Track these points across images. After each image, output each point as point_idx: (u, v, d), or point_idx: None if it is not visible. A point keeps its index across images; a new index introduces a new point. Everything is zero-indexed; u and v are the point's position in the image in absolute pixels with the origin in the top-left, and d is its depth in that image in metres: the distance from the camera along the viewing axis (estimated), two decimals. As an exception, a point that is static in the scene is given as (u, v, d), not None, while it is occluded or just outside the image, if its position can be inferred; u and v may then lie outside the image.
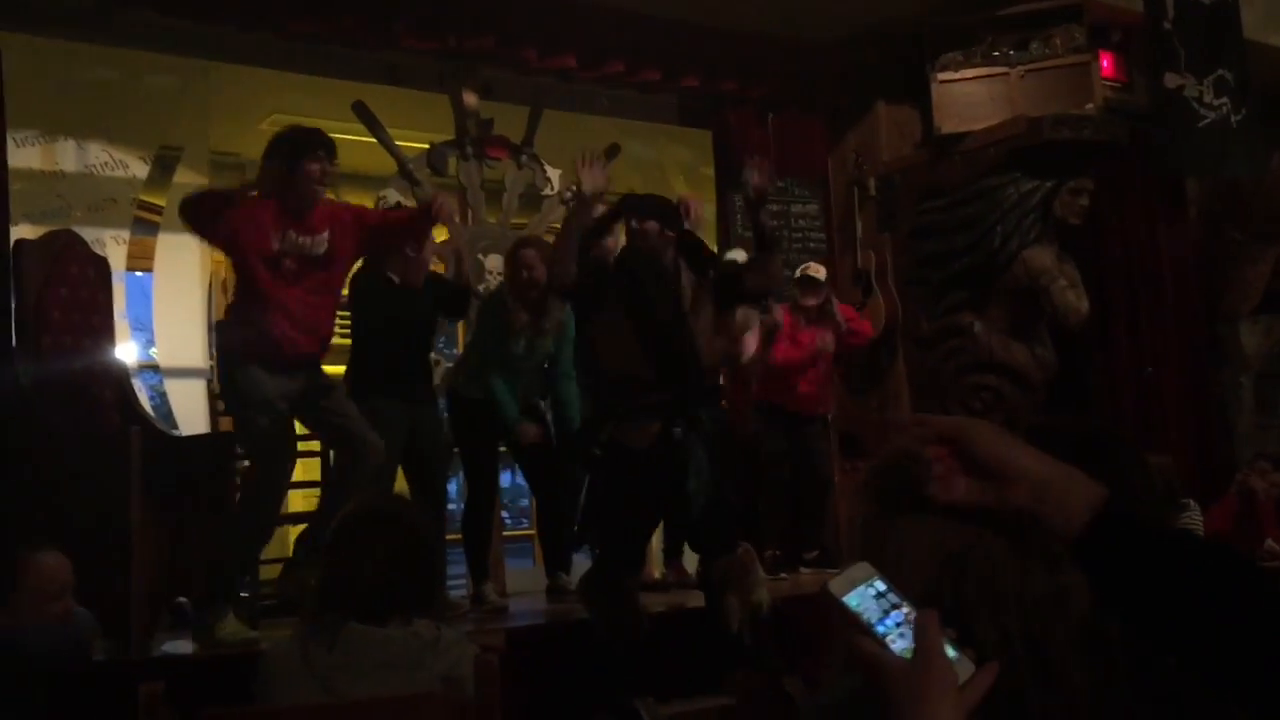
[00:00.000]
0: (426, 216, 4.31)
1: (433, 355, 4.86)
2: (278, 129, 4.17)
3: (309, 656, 2.07)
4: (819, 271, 5.89)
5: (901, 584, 1.12)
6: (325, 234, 4.01)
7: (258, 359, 3.91)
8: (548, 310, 4.79)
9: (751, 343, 5.32)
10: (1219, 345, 7.47)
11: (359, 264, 4.49)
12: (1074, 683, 1.11)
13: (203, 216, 3.93)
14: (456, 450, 4.95)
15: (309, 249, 3.97)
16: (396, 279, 4.56)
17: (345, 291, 4.42)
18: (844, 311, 6.02)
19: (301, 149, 3.93)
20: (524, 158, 6.13)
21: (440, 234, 5.92)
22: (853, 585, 0.94)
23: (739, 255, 5.33)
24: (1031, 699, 1.10)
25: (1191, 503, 5.68)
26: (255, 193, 4.00)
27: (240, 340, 3.97)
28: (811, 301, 5.77)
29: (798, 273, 5.90)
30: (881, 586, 0.95)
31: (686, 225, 4.15)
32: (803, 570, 5.67)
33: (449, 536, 5.03)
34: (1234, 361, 7.48)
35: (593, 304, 3.98)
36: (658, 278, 3.96)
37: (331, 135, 4.09)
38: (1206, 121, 6.58)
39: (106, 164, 5.55)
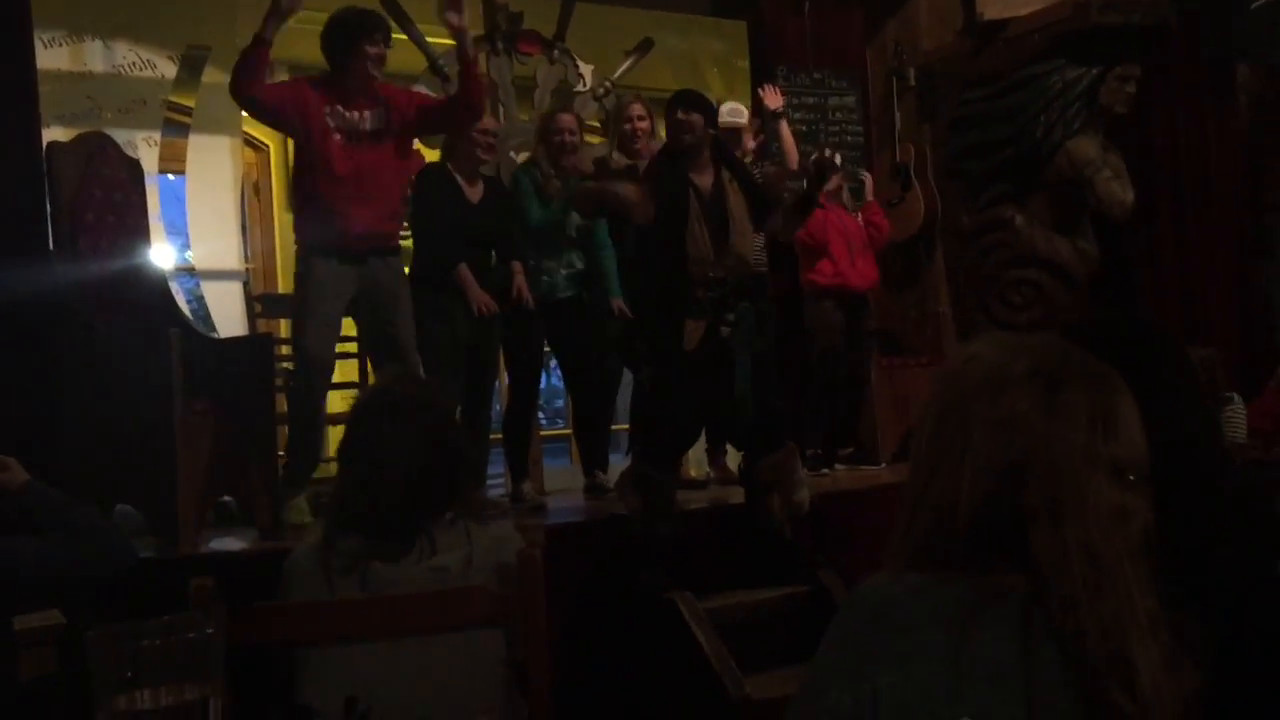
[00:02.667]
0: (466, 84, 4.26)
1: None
2: (330, 14, 4.15)
3: (335, 585, 2.02)
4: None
5: (962, 486, 1.12)
6: (377, 110, 4.07)
7: (326, 247, 4.02)
8: (580, 164, 4.82)
9: None
10: (1265, 236, 7.32)
11: (425, 164, 4.52)
12: (1129, 596, 1.10)
13: (242, 86, 3.94)
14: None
15: (359, 124, 4.04)
16: (460, 178, 4.55)
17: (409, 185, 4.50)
18: (874, 216, 5.94)
19: (360, 31, 3.99)
20: (556, 53, 6.02)
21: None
22: None
23: (739, 117, 5.27)
24: (1084, 610, 1.09)
25: (1235, 396, 5.62)
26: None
27: (309, 227, 4.10)
28: (830, 186, 5.66)
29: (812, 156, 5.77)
30: None
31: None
32: (838, 467, 5.68)
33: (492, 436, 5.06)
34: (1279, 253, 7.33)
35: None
36: (684, 184, 3.93)
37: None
38: (1259, 3, 6.36)
39: (135, 64, 5.49)
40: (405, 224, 4.63)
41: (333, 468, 4.38)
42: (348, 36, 3.99)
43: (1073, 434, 1.14)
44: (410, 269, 4.57)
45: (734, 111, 5.34)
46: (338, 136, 4.00)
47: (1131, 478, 1.15)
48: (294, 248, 4.24)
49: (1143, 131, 6.63)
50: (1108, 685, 1.07)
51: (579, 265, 4.90)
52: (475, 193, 4.62)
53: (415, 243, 4.69)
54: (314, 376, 4.11)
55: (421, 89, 5.60)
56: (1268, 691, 1.28)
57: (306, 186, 4.09)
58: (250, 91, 3.97)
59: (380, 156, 4.09)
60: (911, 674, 1.08)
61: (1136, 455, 1.17)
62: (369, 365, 4.82)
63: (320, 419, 4.22)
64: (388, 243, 4.19)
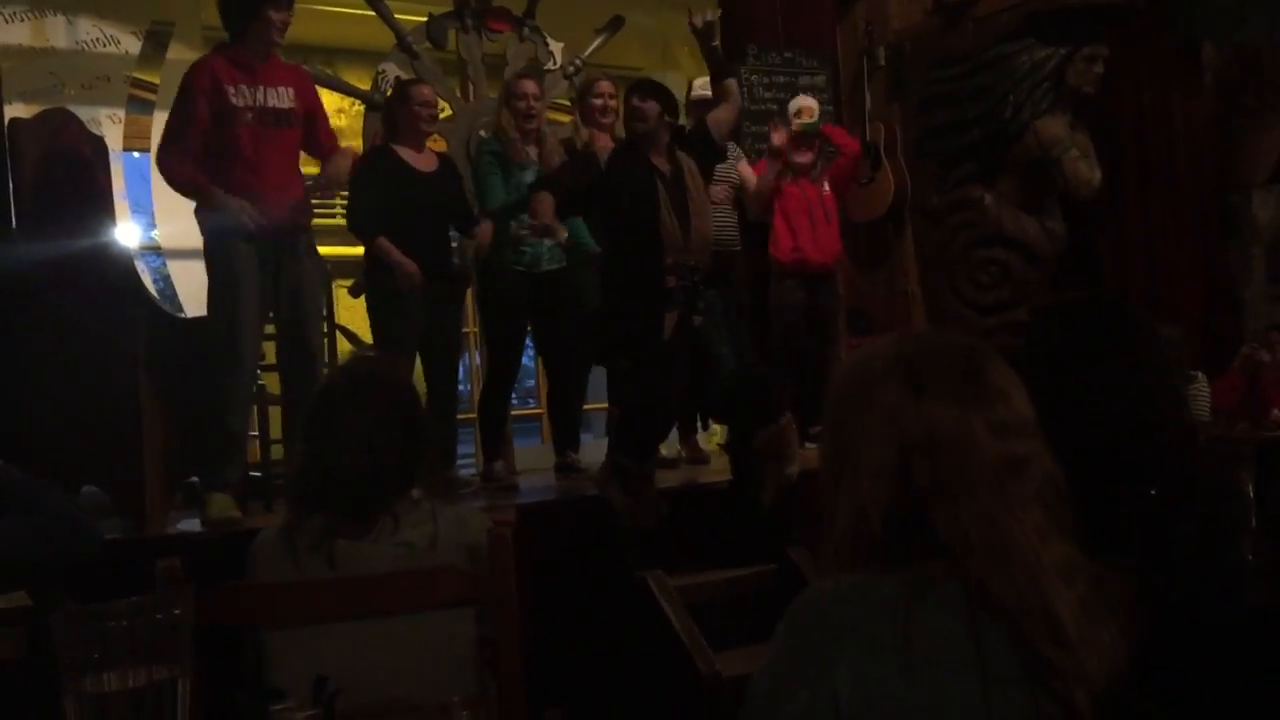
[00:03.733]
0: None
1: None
2: None
3: (301, 565, 2.02)
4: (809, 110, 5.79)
5: (863, 489, 1.14)
6: (288, 89, 3.96)
7: (237, 232, 3.85)
8: (545, 139, 4.81)
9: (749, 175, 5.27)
10: (1230, 216, 7.38)
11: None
12: (1033, 547, 1.12)
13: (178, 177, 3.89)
14: (473, 330, 4.95)
15: (269, 101, 3.91)
16: (408, 153, 4.50)
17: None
18: (832, 135, 5.94)
19: None
20: (526, 30, 5.98)
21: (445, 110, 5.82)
22: None
23: (706, 90, 5.26)
24: (995, 574, 1.11)
25: (1199, 375, 5.69)
26: None
27: (218, 212, 3.89)
28: (804, 160, 5.67)
29: (794, 125, 5.77)
30: None
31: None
32: (807, 445, 5.70)
33: (460, 416, 5.05)
34: (1245, 232, 7.39)
35: (596, 172, 4.01)
36: (649, 171, 3.93)
37: (329, 8, 4.00)
38: (1225, -16, 6.40)
39: (98, 40, 5.43)
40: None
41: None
42: (251, 1, 3.86)
43: (943, 409, 1.16)
44: (366, 255, 4.52)
45: (705, 85, 5.34)
46: (248, 116, 3.88)
47: (1016, 432, 1.16)
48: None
49: (1110, 111, 6.66)
50: (1036, 640, 1.09)
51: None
52: (426, 163, 4.56)
53: (349, 227, 4.58)
54: (238, 367, 3.90)
55: (390, 66, 5.57)
56: (1212, 668, 1.30)
57: (213, 169, 3.90)
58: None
59: (290, 138, 3.99)
60: (866, 667, 1.10)
61: (1015, 413, 1.19)
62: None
63: (247, 410, 4.06)
64: (298, 225, 4.04)
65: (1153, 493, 1.68)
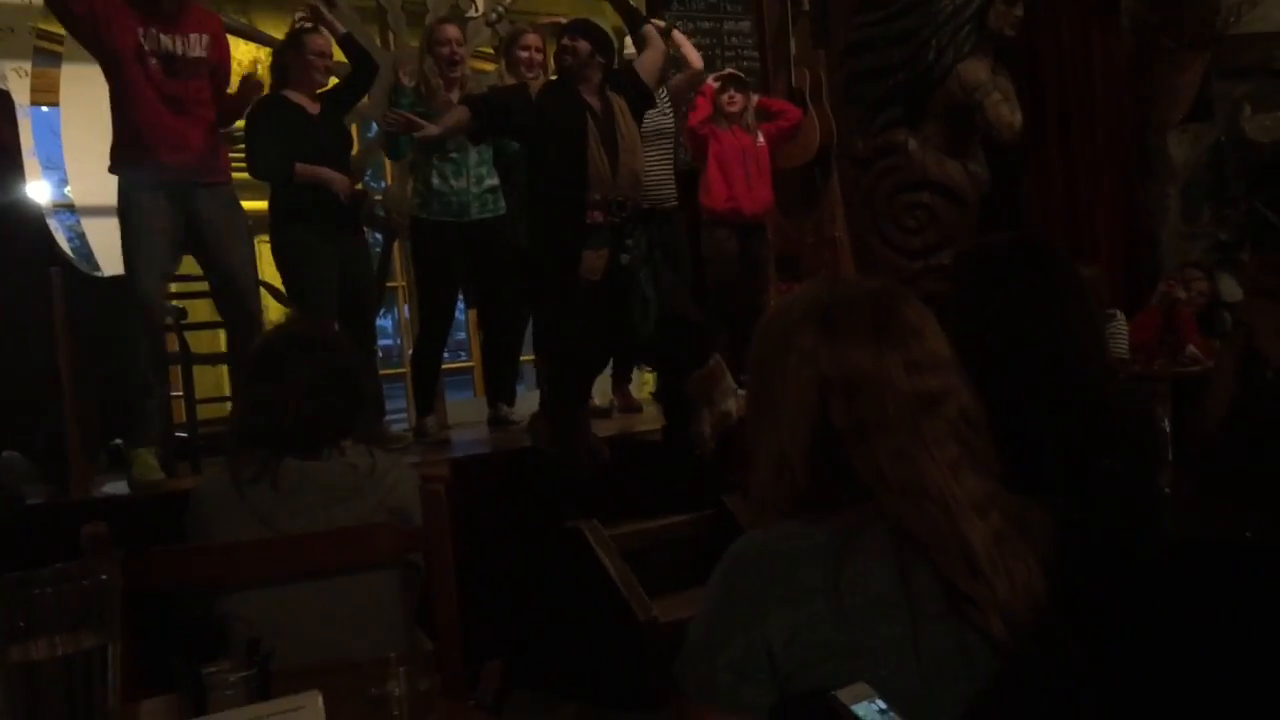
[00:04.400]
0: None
1: (359, 185, 4.71)
2: None
3: (245, 495, 2.04)
4: (741, 75, 5.80)
5: (784, 435, 1.15)
6: (202, 37, 3.87)
7: (148, 181, 3.76)
8: (468, 84, 4.75)
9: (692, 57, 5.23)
10: (1148, 156, 7.52)
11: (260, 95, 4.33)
12: (948, 480, 1.14)
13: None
14: (402, 285, 4.89)
15: (180, 49, 3.82)
16: (300, 99, 4.40)
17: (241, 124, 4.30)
18: (772, 104, 5.96)
19: None
20: (447, -24, 5.88)
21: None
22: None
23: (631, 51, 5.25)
24: (911, 509, 1.13)
25: (1118, 313, 5.81)
26: None
27: (128, 159, 3.79)
28: (735, 108, 5.67)
29: (716, 79, 5.77)
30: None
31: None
32: (740, 393, 5.74)
33: (384, 372, 5.00)
34: (1161, 172, 7.54)
35: (525, 102, 3.97)
36: (580, 107, 3.90)
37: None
38: (1141, -74, 6.47)
39: (-1, -10, 5.23)
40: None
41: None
42: None
43: (856, 350, 1.18)
44: (269, 208, 4.44)
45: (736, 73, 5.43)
46: (154, 61, 3.78)
47: (930, 369, 1.18)
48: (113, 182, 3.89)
49: (1030, 54, 6.73)
50: (953, 573, 1.11)
51: (491, 180, 4.81)
52: (315, 108, 4.48)
53: (254, 174, 4.47)
54: (150, 319, 3.81)
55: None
56: (1130, 598, 1.34)
57: (123, 115, 3.81)
58: (70, 4, 3.72)
59: (201, 85, 3.90)
60: (798, 614, 1.11)
61: (929, 351, 1.20)
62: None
63: (163, 365, 3.97)
64: (213, 175, 3.95)
65: (1073, 427, 1.72)
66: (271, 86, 4.46)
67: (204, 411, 4.57)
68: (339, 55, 4.57)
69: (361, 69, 4.56)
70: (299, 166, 4.27)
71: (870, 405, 1.16)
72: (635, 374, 5.90)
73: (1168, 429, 2.22)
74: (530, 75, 4.86)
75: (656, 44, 4.26)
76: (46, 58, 5.36)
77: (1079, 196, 7.07)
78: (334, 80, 4.57)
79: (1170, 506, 1.84)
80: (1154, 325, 5.97)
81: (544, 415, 3.99)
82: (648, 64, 4.22)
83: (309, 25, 4.47)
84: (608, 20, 6.22)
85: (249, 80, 4.13)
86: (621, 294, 3.86)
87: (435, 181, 4.69)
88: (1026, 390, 1.74)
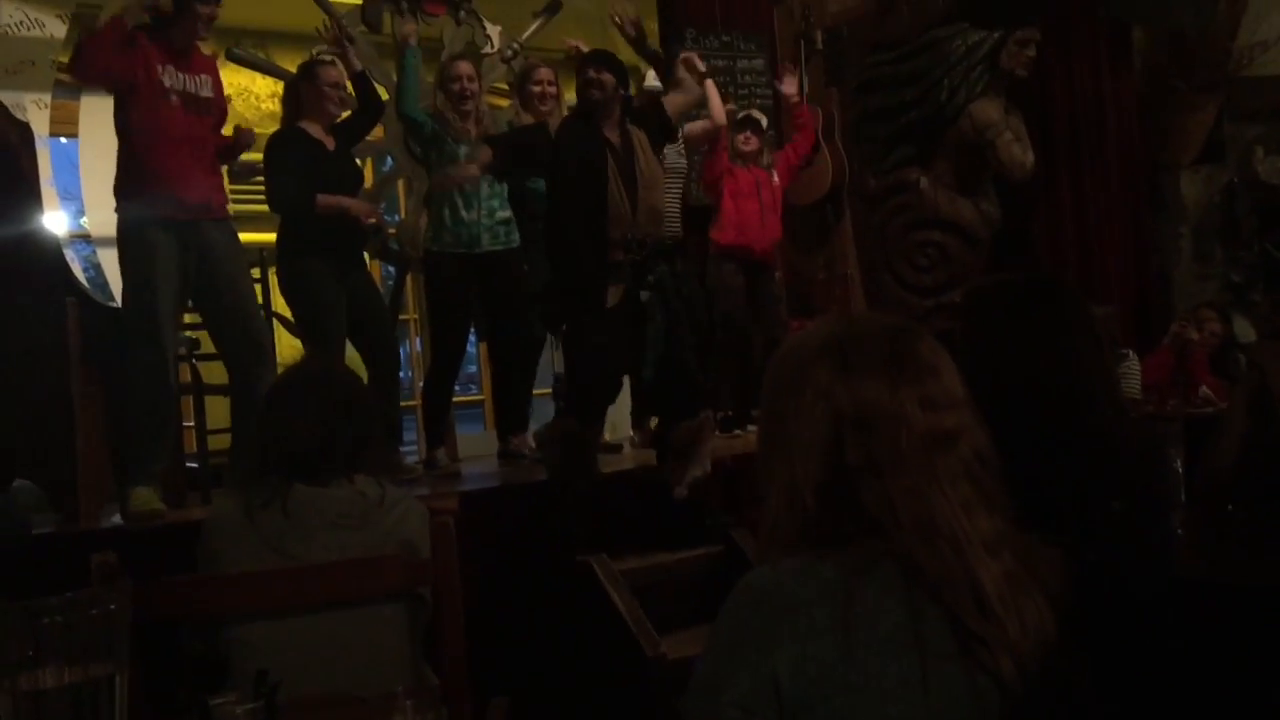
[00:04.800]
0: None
1: (373, 220, 4.74)
2: None
3: (256, 521, 2.06)
4: (760, 115, 5.81)
5: (796, 469, 1.15)
6: (207, 78, 3.96)
7: (159, 216, 3.78)
8: (483, 119, 4.80)
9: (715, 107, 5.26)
10: (1160, 196, 7.53)
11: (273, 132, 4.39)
12: (960, 518, 1.14)
13: (86, 62, 3.79)
14: (413, 317, 4.90)
15: (192, 88, 3.89)
16: (315, 132, 4.44)
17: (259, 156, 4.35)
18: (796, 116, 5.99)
19: None
20: (462, 13, 5.93)
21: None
22: None
23: (656, 80, 5.28)
24: (922, 547, 1.13)
25: (1131, 353, 5.80)
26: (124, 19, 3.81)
27: (140, 193, 3.80)
28: (750, 147, 5.69)
29: (738, 115, 5.82)
30: None
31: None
32: (750, 429, 5.74)
33: (403, 404, 5.01)
34: (1173, 212, 7.55)
35: (533, 163, 4.00)
36: (599, 142, 3.93)
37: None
38: (1154, -31, 6.51)
39: (22, 24, 5.29)
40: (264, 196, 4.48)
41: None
42: None
43: (872, 386, 1.18)
44: (277, 241, 4.45)
45: (656, 76, 5.36)
46: (174, 99, 3.83)
47: (945, 407, 1.18)
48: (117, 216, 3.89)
49: (1042, 94, 6.76)
50: (963, 612, 1.11)
51: (503, 213, 4.83)
52: (330, 142, 4.51)
53: (275, 208, 4.50)
54: (162, 353, 3.79)
55: (324, 49, 5.50)
56: (1141, 639, 1.33)
57: (138, 149, 3.83)
58: (91, 79, 3.82)
59: (211, 123, 3.98)
60: (806, 651, 1.10)
61: (944, 388, 1.20)
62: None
63: (172, 401, 3.93)
64: (220, 212, 3.98)
65: (1083, 467, 1.71)
66: (285, 118, 4.50)
67: (215, 442, 4.58)
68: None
69: (369, 108, 4.62)
70: (320, 198, 4.30)
71: (884, 441, 1.16)
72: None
73: (1180, 470, 2.21)
74: (544, 109, 4.90)
75: (690, 88, 4.29)
76: (67, 90, 5.42)
77: (1091, 236, 7.08)
78: (346, 113, 4.61)
79: (1182, 547, 1.83)
80: (1167, 365, 5.96)
81: (552, 433, 4.00)
82: (676, 104, 4.24)
83: (325, 58, 4.51)
84: (621, 57, 6.27)
85: (241, 130, 4.18)
86: (637, 326, 3.88)
87: (447, 214, 4.72)
88: (1037, 429, 1.73)
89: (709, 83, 4.66)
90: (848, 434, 1.16)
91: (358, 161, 4.75)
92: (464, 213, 4.72)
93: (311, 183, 4.31)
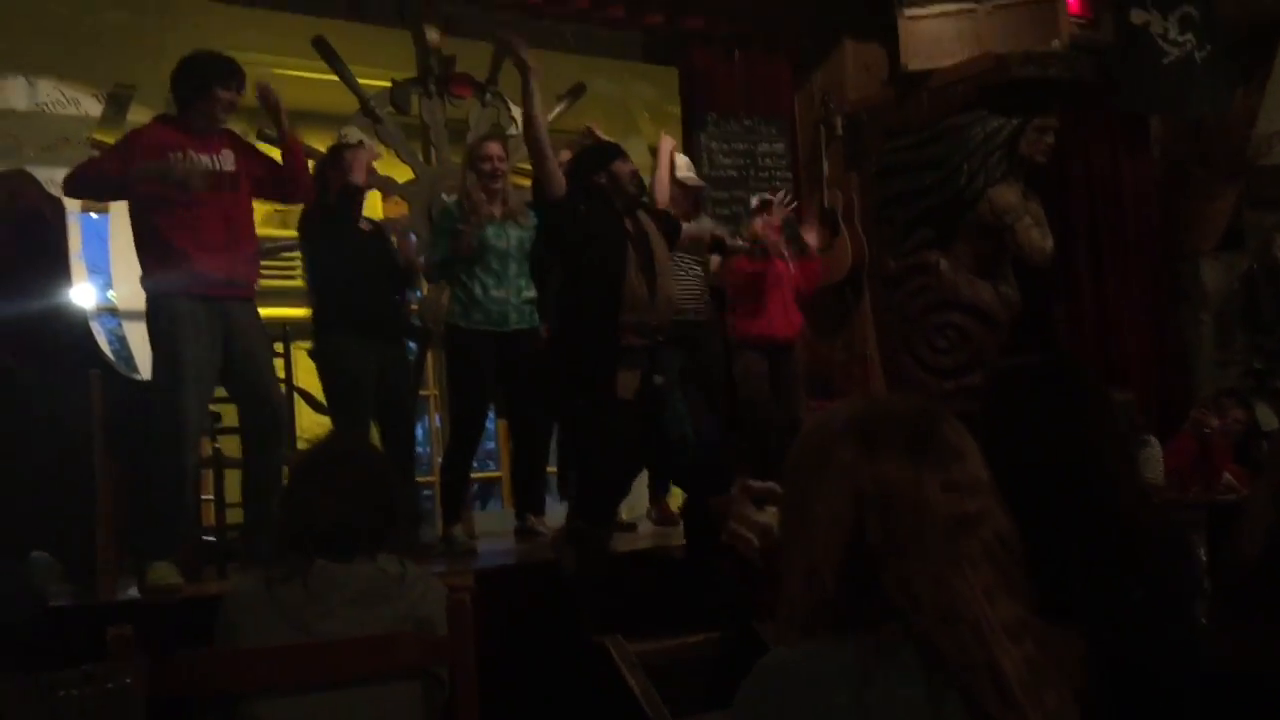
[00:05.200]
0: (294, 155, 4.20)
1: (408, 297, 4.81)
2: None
3: (275, 595, 2.06)
4: (774, 198, 5.86)
5: (817, 550, 1.14)
6: (229, 153, 3.98)
7: (185, 292, 3.81)
8: (509, 198, 4.84)
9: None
10: (1180, 282, 7.54)
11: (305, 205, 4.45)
12: (981, 604, 1.12)
13: (90, 183, 3.89)
14: (434, 393, 4.93)
15: (213, 165, 3.92)
16: (354, 219, 4.52)
17: (296, 232, 4.40)
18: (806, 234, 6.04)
19: (214, 75, 3.88)
20: (488, 95, 6.04)
21: (403, 173, 5.86)
22: None
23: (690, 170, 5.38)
24: (943, 632, 1.12)
25: (1152, 439, 5.76)
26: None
27: (165, 271, 3.83)
28: (768, 233, 5.72)
29: (754, 201, 5.87)
30: None
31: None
32: (769, 509, 5.69)
33: (419, 480, 5.01)
34: (1194, 298, 7.55)
35: (575, 221, 4.02)
36: (618, 229, 3.98)
37: (293, 72, 4.01)
38: (1171, 59, 6.59)
39: (58, 102, 5.42)
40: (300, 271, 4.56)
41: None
42: (200, 78, 3.88)
43: (895, 467, 1.17)
44: (312, 316, 4.52)
45: (689, 166, 5.51)
46: (191, 180, 3.85)
47: (968, 491, 1.18)
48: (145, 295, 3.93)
49: (1061, 180, 6.81)
50: (983, 699, 1.09)
51: (529, 292, 4.86)
52: (364, 224, 4.58)
53: (310, 281, 4.59)
54: (186, 431, 3.80)
55: (353, 130, 5.61)
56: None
57: (159, 228, 3.85)
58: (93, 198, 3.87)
59: (237, 198, 3.99)
60: None
61: (968, 472, 1.20)
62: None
63: (191, 477, 3.92)
64: (246, 290, 4.01)
65: (1104, 553, 1.70)
66: (315, 197, 4.59)
67: (233, 516, 4.58)
68: (380, 167, 4.70)
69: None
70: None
71: (906, 523, 1.15)
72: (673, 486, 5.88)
73: (1204, 557, 2.19)
74: (495, 187, 4.87)
75: (702, 226, 4.80)
76: (99, 167, 5.52)
77: (1110, 321, 7.07)
78: (399, 202, 4.70)
79: (1207, 637, 1.81)
80: (1188, 452, 5.91)
81: (566, 536, 3.97)
82: (689, 232, 4.53)
83: (351, 140, 4.60)
84: (644, 140, 6.38)
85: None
86: (654, 413, 3.88)
87: (477, 291, 4.74)
88: (1056, 514, 1.72)
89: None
90: (869, 514, 1.16)
91: (393, 239, 4.82)
92: (494, 291, 4.75)
93: (342, 260, 4.38)
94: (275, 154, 4.24)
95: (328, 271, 4.45)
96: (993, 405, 1.96)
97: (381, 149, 5.50)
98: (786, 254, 5.80)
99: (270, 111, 4.12)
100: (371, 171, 4.65)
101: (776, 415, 5.68)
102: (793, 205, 5.85)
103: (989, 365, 5.48)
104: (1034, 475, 1.78)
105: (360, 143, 4.64)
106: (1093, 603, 1.60)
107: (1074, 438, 1.83)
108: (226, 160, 3.96)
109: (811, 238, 5.96)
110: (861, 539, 1.16)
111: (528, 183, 6.00)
